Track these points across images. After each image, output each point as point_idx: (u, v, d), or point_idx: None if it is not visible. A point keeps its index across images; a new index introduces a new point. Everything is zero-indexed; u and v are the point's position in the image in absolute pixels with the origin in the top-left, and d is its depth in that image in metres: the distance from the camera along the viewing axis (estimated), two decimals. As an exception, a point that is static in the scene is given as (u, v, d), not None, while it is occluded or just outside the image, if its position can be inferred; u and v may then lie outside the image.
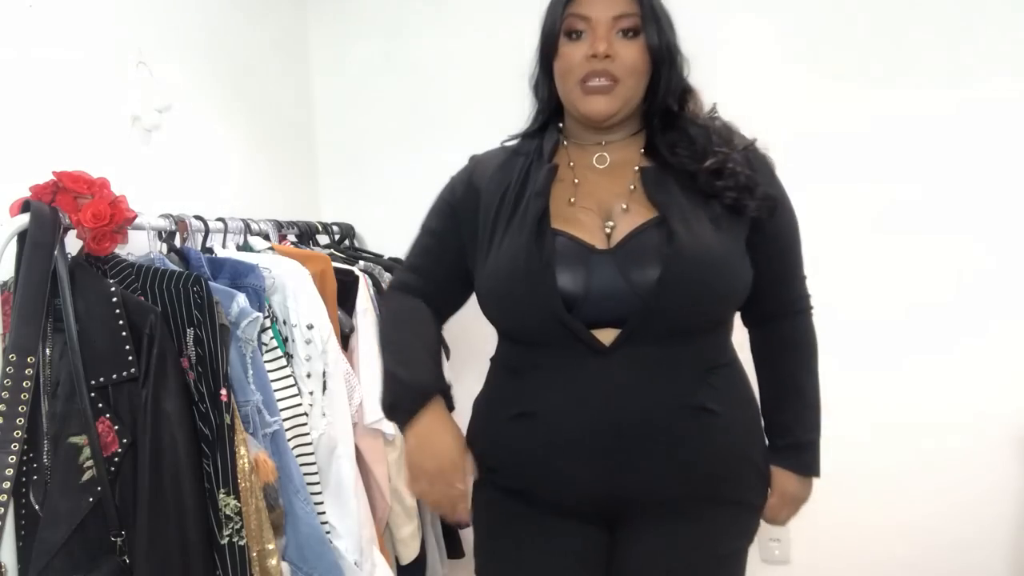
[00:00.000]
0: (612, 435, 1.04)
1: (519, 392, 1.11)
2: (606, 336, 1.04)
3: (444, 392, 1.12)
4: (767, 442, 1.19)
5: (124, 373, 1.22)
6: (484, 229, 1.13)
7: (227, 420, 1.27)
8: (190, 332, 1.26)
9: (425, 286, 1.22)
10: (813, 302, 1.22)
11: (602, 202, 1.11)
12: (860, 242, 2.01)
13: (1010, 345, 1.93)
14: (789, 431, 1.19)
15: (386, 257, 2.19)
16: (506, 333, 1.15)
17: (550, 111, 1.20)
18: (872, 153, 1.99)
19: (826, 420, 1.20)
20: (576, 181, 1.14)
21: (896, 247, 1.99)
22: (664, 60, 1.11)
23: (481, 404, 1.20)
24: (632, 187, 1.12)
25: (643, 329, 1.03)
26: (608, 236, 1.08)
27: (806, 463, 1.20)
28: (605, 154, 1.16)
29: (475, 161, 1.23)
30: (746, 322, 1.24)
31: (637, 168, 1.14)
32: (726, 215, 1.09)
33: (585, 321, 1.04)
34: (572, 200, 1.12)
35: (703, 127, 1.14)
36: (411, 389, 1.10)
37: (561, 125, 1.20)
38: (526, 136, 1.22)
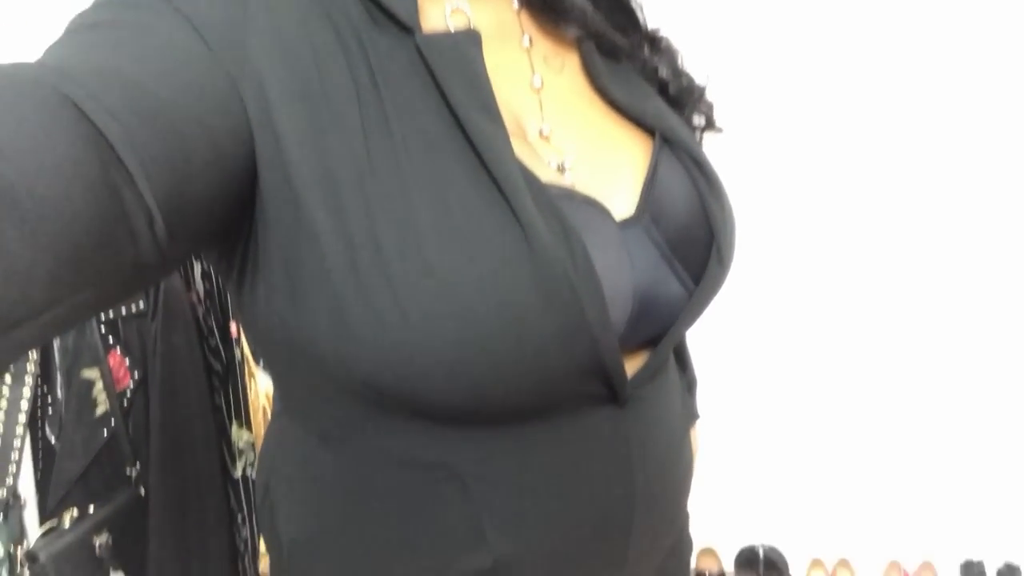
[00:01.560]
0: (627, 534, 0.62)
1: (467, 521, 0.57)
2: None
3: None
4: None
5: (132, 308, 1.22)
6: (316, 188, 0.48)
7: (237, 355, 1.28)
8: (197, 266, 1.26)
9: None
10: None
11: (511, 111, 0.58)
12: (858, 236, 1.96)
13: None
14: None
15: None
16: (443, 407, 0.52)
17: None
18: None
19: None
20: None
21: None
22: None
23: (351, 537, 0.60)
24: (538, 80, 0.61)
25: (670, 344, 0.62)
26: (571, 183, 0.57)
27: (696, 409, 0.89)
28: (464, 7, 0.58)
29: None
30: None
31: (528, 40, 0.62)
32: None
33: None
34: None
35: None
36: None
37: None
38: None
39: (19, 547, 1.14)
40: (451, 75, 0.53)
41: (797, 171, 1.84)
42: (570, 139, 0.60)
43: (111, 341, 1.21)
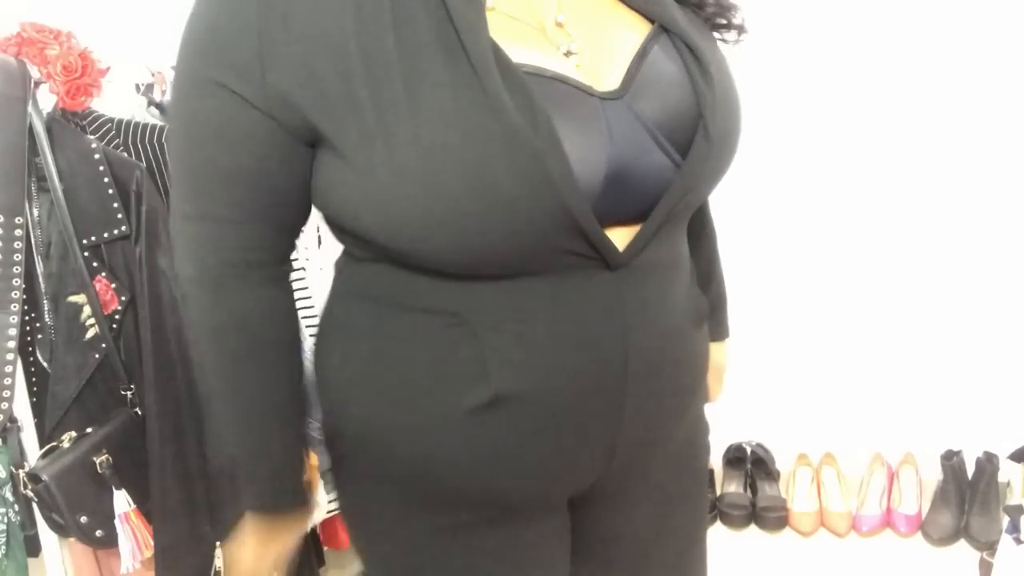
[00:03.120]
0: (621, 397, 0.70)
1: (473, 362, 0.66)
2: (616, 240, 0.65)
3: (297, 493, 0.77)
4: None
5: (115, 231, 1.21)
6: (353, 102, 0.59)
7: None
8: (177, 187, 1.23)
9: (252, 237, 0.68)
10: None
11: (531, 2, 0.67)
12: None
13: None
14: (718, 305, 1.00)
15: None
16: (444, 262, 0.64)
17: None
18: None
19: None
20: None
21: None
22: None
23: (378, 379, 0.71)
24: None
25: (667, 219, 0.68)
26: (576, 65, 0.65)
27: (727, 326, 1.04)
28: None
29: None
30: None
31: None
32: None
33: (599, 220, 0.63)
34: (491, 5, 0.64)
35: None
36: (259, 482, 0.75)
37: None
38: None
39: (20, 470, 1.17)
40: None
41: (806, 55, 1.80)
42: (580, 27, 0.68)
43: (95, 265, 1.20)
